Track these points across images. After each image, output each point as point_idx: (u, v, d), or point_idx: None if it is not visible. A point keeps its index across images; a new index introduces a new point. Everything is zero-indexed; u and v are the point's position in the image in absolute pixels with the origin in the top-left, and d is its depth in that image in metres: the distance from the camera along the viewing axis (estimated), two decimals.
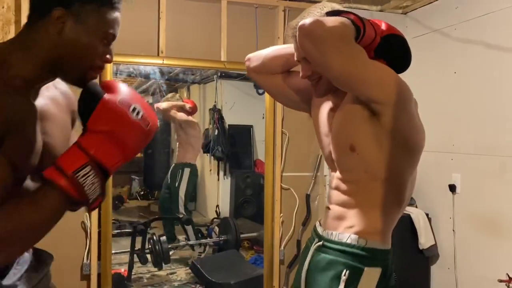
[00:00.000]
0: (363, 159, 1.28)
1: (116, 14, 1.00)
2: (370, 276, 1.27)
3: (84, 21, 0.95)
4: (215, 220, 4.76)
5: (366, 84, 1.22)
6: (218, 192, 5.02)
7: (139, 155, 2.89)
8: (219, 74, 4.32)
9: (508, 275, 2.32)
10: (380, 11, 3.24)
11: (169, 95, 4.43)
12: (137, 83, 4.36)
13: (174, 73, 4.15)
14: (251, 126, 4.80)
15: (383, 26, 1.31)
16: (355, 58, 1.20)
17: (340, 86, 1.29)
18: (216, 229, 4.49)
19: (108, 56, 1.00)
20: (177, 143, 4.53)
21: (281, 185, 3.13)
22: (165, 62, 2.85)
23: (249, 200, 4.81)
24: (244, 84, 4.85)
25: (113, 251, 2.80)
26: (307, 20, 1.17)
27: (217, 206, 4.95)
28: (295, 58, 1.39)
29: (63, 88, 1.13)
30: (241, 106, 4.72)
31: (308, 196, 3.20)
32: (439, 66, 2.93)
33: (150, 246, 3.53)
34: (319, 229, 1.42)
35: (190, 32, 2.97)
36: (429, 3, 3.07)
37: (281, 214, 3.14)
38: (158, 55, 2.88)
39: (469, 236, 2.69)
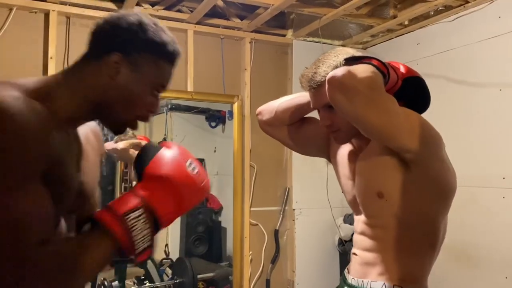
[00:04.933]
0: (392, 205, 1.22)
1: (172, 69, 0.99)
2: None
3: (140, 70, 0.93)
4: (164, 260, 4.46)
5: (400, 135, 1.15)
6: (167, 230, 4.74)
7: None
8: (169, 106, 4.16)
9: None
10: (341, 45, 3.31)
11: None
12: None
13: None
14: (203, 160, 4.64)
15: (402, 69, 1.27)
16: (389, 109, 1.14)
17: (371, 137, 1.23)
18: (168, 270, 4.20)
19: (155, 107, 0.98)
20: (134, 183, 4.23)
21: (249, 221, 3.00)
22: None
23: (201, 237, 4.58)
24: (195, 117, 4.71)
25: None
26: (338, 72, 1.10)
27: (166, 245, 4.67)
28: (312, 106, 1.34)
29: (93, 127, 1.09)
30: (192, 140, 4.56)
31: (276, 232, 3.09)
32: None
33: None
34: (348, 278, 1.33)
35: None
36: (389, 39, 3.19)
37: (250, 252, 2.99)
38: None
39: (442, 268, 2.69)
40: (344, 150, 1.39)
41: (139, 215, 0.85)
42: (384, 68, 1.16)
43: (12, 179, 0.76)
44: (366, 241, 1.28)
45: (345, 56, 1.24)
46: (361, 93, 1.08)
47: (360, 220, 1.32)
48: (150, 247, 0.89)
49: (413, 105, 1.25)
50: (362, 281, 1.25)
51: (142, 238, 0.86)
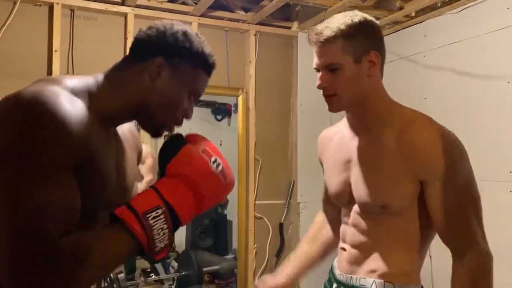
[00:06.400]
0: (395, 214, 1.18)
1: (207, 79, 1.04)
2: None
3: (179, 76, 0.99)
4: (170, 253, 4.48)
5: None
6: None
7: None
8: None
9: None
10: None
11: None
12: None
13: None
14: None
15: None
16: None
17: None
18: (174, 263, 4.23)
19: (189, 112, 1.02)
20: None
21: (254, 214, 2.99)
22: None
23: (207, 230, 4.61)
24: (201, 109, 4.72)
25: None
26: None
27: None
28: (314, 65, 1.22)
29: (129, 126, 1.14)
30: (198, 132, 4.54)
31: (281, 225, 3.09)
32: (410, 92, 2.98)
33: (106, 285, 3.22)
34: (336, 272, 1.29)
35: None
36: (395, 31, 3.15)
37: (255, 245, 3.00)
38: None
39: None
40: (336, 154, 1.33)
41: (159, 215, 0.86)
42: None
43: (39, 168, 0.79)
44: (356, 235, 1.23)
45: (360, 19, 1.17)
46: None
47: (353, 210, 1.25)
48: (168, 245, 0.89)
49: None
50: (351, 277, 1.22)
51: (161, 238, 0.86)
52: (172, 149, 0.94)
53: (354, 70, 1.17)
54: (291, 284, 1.49)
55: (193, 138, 0.98)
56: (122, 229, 0.85)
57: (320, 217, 1.54)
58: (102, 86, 0.96)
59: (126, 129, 1.12)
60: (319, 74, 1.21)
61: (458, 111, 2.64)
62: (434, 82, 2.82)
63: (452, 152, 1.14)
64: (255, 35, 3.04)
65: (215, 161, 0.94)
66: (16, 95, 0.83)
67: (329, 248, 1.46)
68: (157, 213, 0.86)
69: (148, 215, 0.85)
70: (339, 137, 1.34)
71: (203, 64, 1.01)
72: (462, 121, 2.60)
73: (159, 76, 0.97)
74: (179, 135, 0.98)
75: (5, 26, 2.43)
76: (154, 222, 0.85)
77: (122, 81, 0.98)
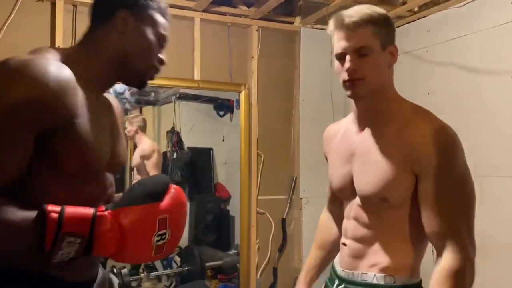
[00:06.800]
0: (395, 206, 1.19)
1: (167, 23, 1.12)
2: None
3: (143, 23, 1.06)
4: None
5: None
6: None
7: None
8: (177, 95, 4.16)
9: None
10: None
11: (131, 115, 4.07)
12: None
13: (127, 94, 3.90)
14: (211, 149, 4.65)
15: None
16: None
17: None
18: (177, 258, 4.24)
19: (162, 57, 1.10)
20: (135, 169, 4.26)
21: (256, 210, 3.00)
22: None
23: (210, 226, 4.61)
24: (203, 105, 4.71)
25: None
26: None
27: None
28: (340, 50, 1.17)
29: (114, 103, 1.20)
30: (200, 128, 4.56)
31: (283, 221, 3.09)
32: (412, 87, 2.98)
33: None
34: (338, 269, 1.30)
35: None
36: (398, 26, 3.13)
37: (257, 241, 3.00)
38: None
39: None
40: (340, 148, 1.34)
41: (76, 243, 0.87)
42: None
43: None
44: (358, 229, 1.24)
45: (383, 12, 1.20)
46: None
47: (354, 203, 1.27)
48: (70, 260, 0.90)
49: None
50: (353, 273, 1.23)
51: (62, 255, 0.88)
52: (145, 189, 0.95)
53: (381, 56, 1.19)
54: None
55: (170, 197, 0.97)
56: (39, 227, 0.86)
57: (325, 219, 1.55)
58: (81, 53, 1.03)
59: (112, 100, 1.19)
60: (349, 57, 1.17)
61: (461, 106, 2.63)
62: (437, 77, 2.81)
63: (445, 149, 1.13)
64: (257, 30, 3.03)
65: (163, 234, 0.95)
66: (4, 60, 0.90)
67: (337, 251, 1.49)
68: (75, 240, 0.87)
69: (66, 238, 0.86)
70: (343, 132, 1.36)
71: (158, 8, 1.09)
72: (465, 116, 2.60)
73: (127, 27, 1.04)
74: (167, 184, 0.98)
75: (8, 21, 2.44)
76: (67, 245, 0.86)
77: (96, 44, 1.04)
